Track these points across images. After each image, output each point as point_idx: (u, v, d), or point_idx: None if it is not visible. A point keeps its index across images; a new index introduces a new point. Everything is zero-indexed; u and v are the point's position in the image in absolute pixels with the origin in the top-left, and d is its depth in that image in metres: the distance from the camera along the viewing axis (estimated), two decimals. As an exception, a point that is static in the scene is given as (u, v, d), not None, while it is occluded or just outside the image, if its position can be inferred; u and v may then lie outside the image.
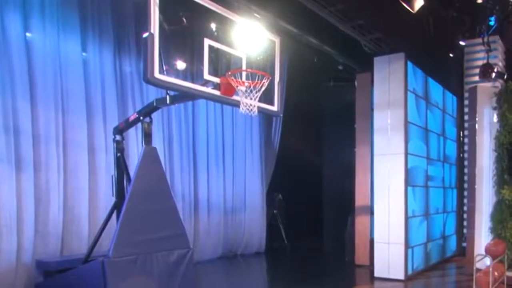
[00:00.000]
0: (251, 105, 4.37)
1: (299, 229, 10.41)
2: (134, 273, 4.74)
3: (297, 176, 10.40)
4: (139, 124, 5.38)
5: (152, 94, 7.38)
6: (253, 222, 9.23)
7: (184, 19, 4.36)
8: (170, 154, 7.75)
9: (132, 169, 5.38)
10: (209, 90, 4.43)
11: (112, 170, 6.66)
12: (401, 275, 6.69)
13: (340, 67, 9.31)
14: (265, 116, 9.47)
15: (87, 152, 6.45)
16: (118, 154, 5.56)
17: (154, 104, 5.12)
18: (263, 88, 4.39)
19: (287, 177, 10.25)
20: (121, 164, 5.54)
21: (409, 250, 6.91)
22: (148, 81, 3.99)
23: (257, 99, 4.40)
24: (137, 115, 5.31)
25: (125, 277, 4.68)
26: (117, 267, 4.61)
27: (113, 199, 5.99)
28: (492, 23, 7.83)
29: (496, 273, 4.74)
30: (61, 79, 6.15)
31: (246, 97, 4.33)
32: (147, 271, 4.85)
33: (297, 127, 9.98)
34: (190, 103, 7.96)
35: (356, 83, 8.25)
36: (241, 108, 4.45)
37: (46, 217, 5.97)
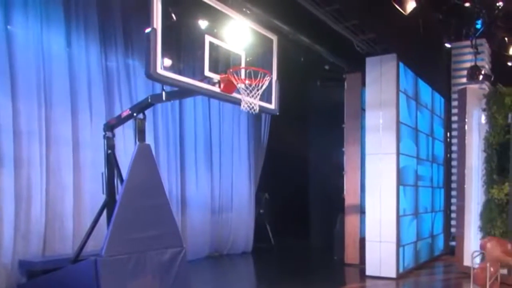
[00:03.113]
0: (251, 103, 4.50)
1: (285, 229, 10.58)
2: (127, 273, 4.76)
3: (284, 175, 10.56)
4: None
5: (140, 89, 7.42)
6: (240, 222, 9.33)
7: (173, 16, 4.40)
8: (156, 151, 7.74)
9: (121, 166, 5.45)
10: (210, 87, 4.52)
11: (99, 167, 6.68)
12: (392, 273, 6.91)
13: (327, 67, 9.53)
14: (253, 115, 9.58)
15: (72, 148, 6.41)
16: (109, 151, 5.56)
17: (149, 100, 5.17)
18: (264, 86, 4.52)
19: (273, 176, 10.41)
20: (112, 161, 5.55)
21: (400, 249, 7.14)
22: (150, 77, 4.05)
23: (258, 97, 4.53)
24: (130, 112, 5.34)
25: (118, 277, 4.70)
26: (110, 266, 4.63)
27: (103, 197, 6.05)
28: (478, 26, 8.22)
29: (492, 269, 5.04)
30: (44, 73, 6.10)
31: (247, 95, 4.44)
32: (141, 270, 4.88)
33: (283, 126, 10.14)
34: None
35: (345, 83, 8.46)
36: (242, 105, 4.57)
37: (28, 216, 5.91)
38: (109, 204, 5.48)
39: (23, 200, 5.89)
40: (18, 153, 5.82)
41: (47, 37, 6.11)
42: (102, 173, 5.68)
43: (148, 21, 7.47)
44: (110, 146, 5.58)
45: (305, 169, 10.85)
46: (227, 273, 8.14)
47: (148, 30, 4.03)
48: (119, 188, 5.36)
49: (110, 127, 5.64)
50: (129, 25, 7.28)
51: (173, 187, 8.05)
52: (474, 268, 5.23)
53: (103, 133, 5.66)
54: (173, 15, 4.24)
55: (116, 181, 5.54)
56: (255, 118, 9.75)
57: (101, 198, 6.58)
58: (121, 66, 7.21)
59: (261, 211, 10.24)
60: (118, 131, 6.87)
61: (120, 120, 5.59)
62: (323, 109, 10.21)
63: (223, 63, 4.71)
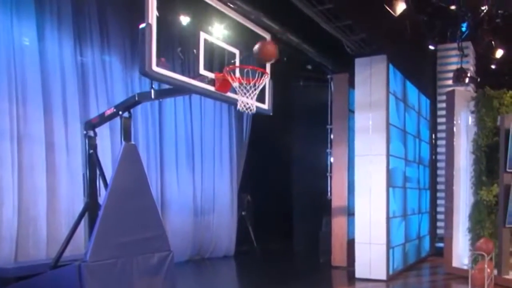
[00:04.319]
0: (247, 103, 4.54)
1: (268, 231, 10.66)
2: (113, 278, 4.70)
3: (266, 177, 10.64)
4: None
5: (117, 87, 7.33)
6: (222, 224, 9.33)
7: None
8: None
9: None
10: (205, 85, 4.53)
11: (74, 168, 6.62)
12: (383, 275, 7.07)
13: (309, 67, 9.68)
14: (235, 114, 9.67)
15: (45, 148, 6.27)
16: (91, 151, 5.48)
17: (136, 98, 5.14)
18: (261, 86, 4.58)
19: (255, 178, 10.48)
20: (94, 161, 5.48)
21: (390, 251, 7.30)
22: (145, 74, 4.02)
23: (255, 96, 4.58)
24: (114, 110, 5.28)
25: (103, 282, 4.64)
26: (95, 271, 4.56)
27: (82, 200, 5.95)
28: (464, 29, 8.56)
29: (488, 270, 5.29)
30: (15, 68, 5.94)
31: (243, 95, 4.48)
32: (127, 276, 4.83)
33: (265, 126, 10.24)
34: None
35: (332, 83, 8.62)
36: (238, 105, 4.61)
37: (-1, 219, 5.74)
38: (91, 206, 5.40)
39: (-6, 203, 5.75)
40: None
41: (18, 29, 5.96)
42: (84, 174, 5.60)
43: (127, 13, 7.43)
44: (92, 145, 5.50)
45: (288, 170, 10.97)
46: (209, 277, 8.13)
47: (142, 25, 4.00)
48: (101, 190, 5.31)
49: (91, 125, 5.56)
50: (105, 18, 7.19)
51: (153, 188, 7.90)
52: (472, 269, 5.46)
53: (84, 132, 5.59)
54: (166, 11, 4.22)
55: (98, 182, 5.48)
56: (237, 118, 9.80)
57: (77, 200, 6.56)
58: (97, 62, 7.09)
59: (243, 213, 10.29)
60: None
61: (103, 119, 5.52)
62: (306, 109, 10.35)
63: (217, 61, 4.73)
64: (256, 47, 4.53)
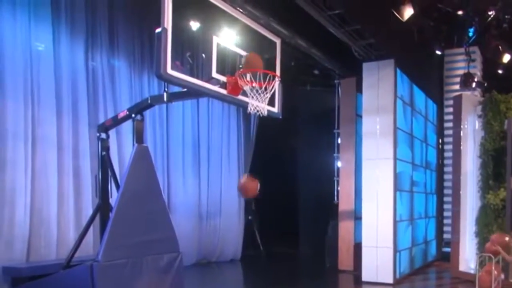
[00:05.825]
0: (258, 106, 4.67)
1: (274, 235, 10.75)
2: (124, 278, 4.83)
3: (272, 181, 10.71)
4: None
5: (124, 92, 7.48)
6: (229, 228, 9.43)
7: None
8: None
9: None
10: (218, 88, 4.67)
11: (84, 170, 6.76)
12: (390, 279, 7.17)
13: (316, 72, 9.81)
14: (243, 117, 9.79)
15: (57, 150, 6.42)
16: (103, 153, 5.62)
17: (149, 101, 5.29)
18: (273, 89, 4.71)
19: (262, 182, 10.53)
20: (106, 163, 5.62)
21: (397, 254, 7.39)
22: (160, 77, 4.17)
23: (267, 99, 4.72)
24: (127, 112, 5.43)
25: (114, 282, 4.77)
26: (107, 271, 4.70)
27: (91, 201, 6.09)
28: (471, 34, 8.68)
29: (496, 272, 5.38)
30: (32, 72, 6.12)
31: (254, 98, 4.61)
32: (137, 276, 4.96)
33: (271, 131, 10.36)
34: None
35: (340, 88, 8.76)
36: (249, 108, 4.75)
37: (12, 220, 5.90)
38: (104, 208, 5.54)
39: (7, 204, 5.86)
40: (3, 153, 5.82)
41: (35, 34, 6.14)
42: (96, 176, 5.74)
43: (137, 20, 7.58)
44: (105, 147, 5.64)
45: (295, 175, 11.07)
46: (216, 281, 8.23)
47: (158, 30, 4.15)
48: (114, 191, 5.44)
49: (104, 128, 5.71)
50: (115, 25, 7.37)
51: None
52: (479, 271, 5.55)
53: (97, 135, 5.73)
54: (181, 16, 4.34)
55: (110, 183, 5.62)
56: (244, 122, 9.92)
57: (85, 202, 6.69)
58: (106, 67, 7.23)
59: (250, 217, 10.38)
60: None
61: (116, 121, 5.67)
62: (313, 114, 10.47)
63: (229, 65, 4.87)
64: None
